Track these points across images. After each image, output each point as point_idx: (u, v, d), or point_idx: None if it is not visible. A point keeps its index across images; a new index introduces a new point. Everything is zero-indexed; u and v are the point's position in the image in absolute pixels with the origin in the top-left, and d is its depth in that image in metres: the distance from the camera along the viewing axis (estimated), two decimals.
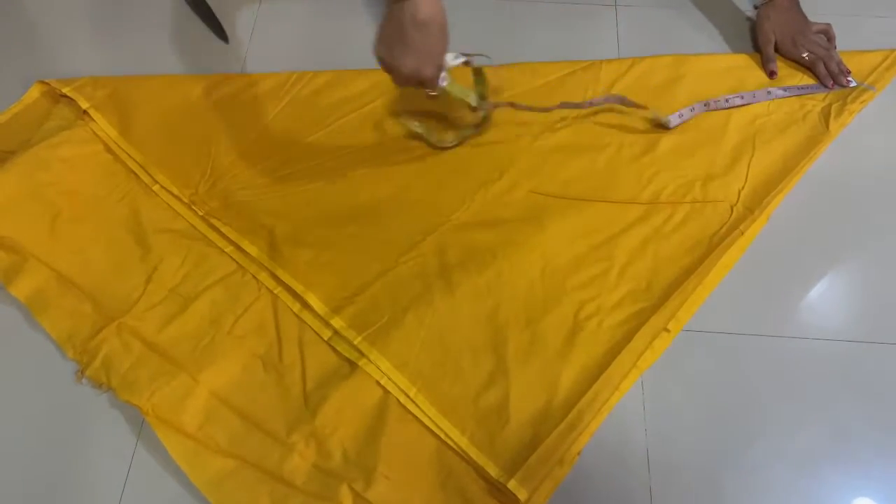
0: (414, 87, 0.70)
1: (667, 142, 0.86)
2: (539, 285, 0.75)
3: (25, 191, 0.79)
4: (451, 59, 0.72)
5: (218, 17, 1.01)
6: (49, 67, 0.95)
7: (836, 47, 0.93)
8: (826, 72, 0.90)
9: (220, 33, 1.00)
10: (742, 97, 0.89)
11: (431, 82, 0.68)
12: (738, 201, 0.80)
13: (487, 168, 0.84)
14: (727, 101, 0.88)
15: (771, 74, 0.92)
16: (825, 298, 0.76)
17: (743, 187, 0.82)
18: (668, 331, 0.72)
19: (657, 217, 0.79)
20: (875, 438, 0.67)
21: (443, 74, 0.71)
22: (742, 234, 0.77)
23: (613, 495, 0.65)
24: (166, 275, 0.76)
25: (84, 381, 0.71)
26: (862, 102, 0.89)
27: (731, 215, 0.79)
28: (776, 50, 0.93)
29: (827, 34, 0.93)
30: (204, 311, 0.74)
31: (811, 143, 0.85)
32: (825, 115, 0.88)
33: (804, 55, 0.91)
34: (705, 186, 0.82)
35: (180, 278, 0.76)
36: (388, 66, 0.66)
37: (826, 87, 0.90)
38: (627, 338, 0.70)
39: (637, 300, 0.74)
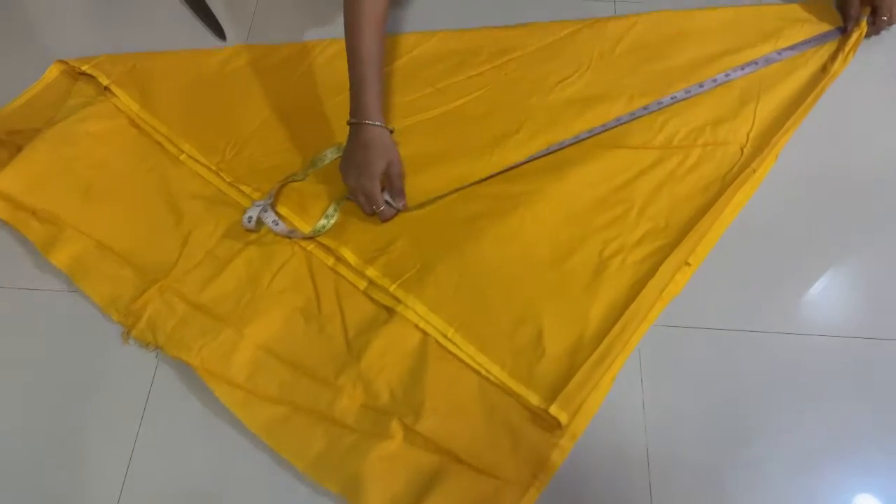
0: (364, 202, 0.77)
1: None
2: (563, 228, 0.78)
3: (55, 165, 0.81)
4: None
5: (215, 14, 1.01)
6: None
7: None
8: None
9: (217, 30, 1.00)
10: (756, 63, 0.90)
11: (370, 195, 0.75)
12: (747, 142, 0.84)
13: (505, 122, 0.87)
14: (743, 69, 0.89)
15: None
16: (825, 295, 0.75)
17: (751, 129, 0.85)
18: (688, 264, 0.75)
19: (671, 160, 0.82)
20: (875, 434, 0.67)
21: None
22: (754, 172, 0.80)
23: (613, 491, 0.65)
24: (201, 239, 0.78)
25: (131, 341, 0.73)
26: (854, 44, 0.92)
27: (741, 156, 0.82)
28: None
29: None
30: (241, 271, 0.76)
31: (813, 86, 0.89)
32: (824, 60, 0.91)
33: None
34: (715, 130, 0.85)
35: (215, 241, 0.78)
36: (343, 179, 0.77)
37: (844, 30, 0.92)
38: (651, 273, 0.73)
39: (657, 238, 0.77)
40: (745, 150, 0.83)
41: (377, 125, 0.76)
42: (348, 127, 0.78)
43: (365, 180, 0.75)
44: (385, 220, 0.78)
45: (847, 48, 0.90)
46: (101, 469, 0.67)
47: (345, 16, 0.78)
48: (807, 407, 0.68)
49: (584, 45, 0.94)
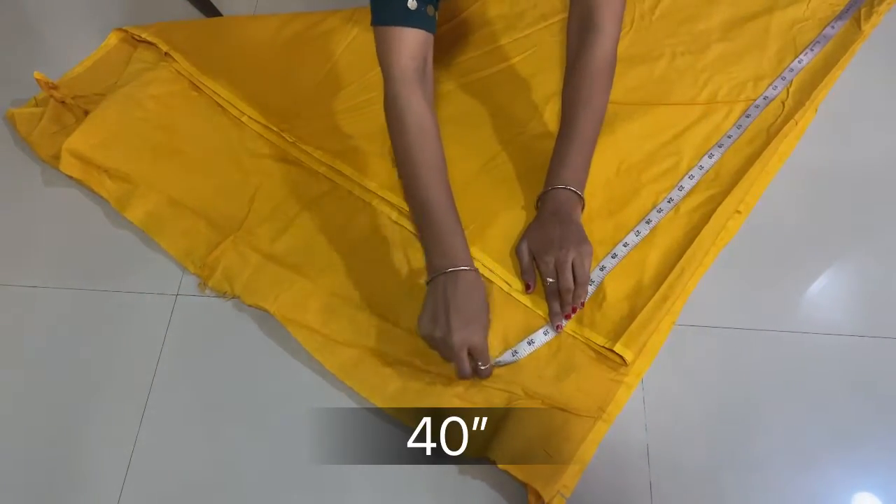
0: (462, 359, 0.64)
1: (715, 49, 0.92)
2: (616, 181, 0.81)
3: (124, 127, 0.84)
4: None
5: (218, 9, 1.02)
6: None
7: None
8: None
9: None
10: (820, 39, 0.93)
11: (481, 347, 0.64)
12: (788, 97, 0.87)
13: (554, 81, 0.90)
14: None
15: None
16: (826, 293, 0.75)
17: (790, 84, 0.88)
18: (739, 212, 0.78)
19: (717, 115, 0.86)
20: (876, 433, 0.66)
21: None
22: (796, 123, 0.84)
23: (614, 490, 0.64)
24: (268, 195, 0.81)
25: (207, 291, 0.76)
26: (889, 3, 0.95)
27: (783, 109, 0.86)
28: None
29: None
30: (308, 224, 0.79)
31: (847, 44, 0.92)
32: (856, 19, 0.95)
33: None
34: (756, 86, 0.88)
35: (281, 197, 0.81)
36: (436, 339, 0.64)
37: None
38: (703, 220, 0.77)
39: (708, 188, 0.80)
40: (786, 104, 0.86)
41: (472, 270, 0.67)
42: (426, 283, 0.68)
43: (473, 333, 0.63)
44: (485, 378, 0.67)
45: (882, 5, 0.93)
46: (102, 467, 0.66)
47: (398, 153, 0.70)
48: (808, 405, 0.68)
49: (629, 5, 0.97)
